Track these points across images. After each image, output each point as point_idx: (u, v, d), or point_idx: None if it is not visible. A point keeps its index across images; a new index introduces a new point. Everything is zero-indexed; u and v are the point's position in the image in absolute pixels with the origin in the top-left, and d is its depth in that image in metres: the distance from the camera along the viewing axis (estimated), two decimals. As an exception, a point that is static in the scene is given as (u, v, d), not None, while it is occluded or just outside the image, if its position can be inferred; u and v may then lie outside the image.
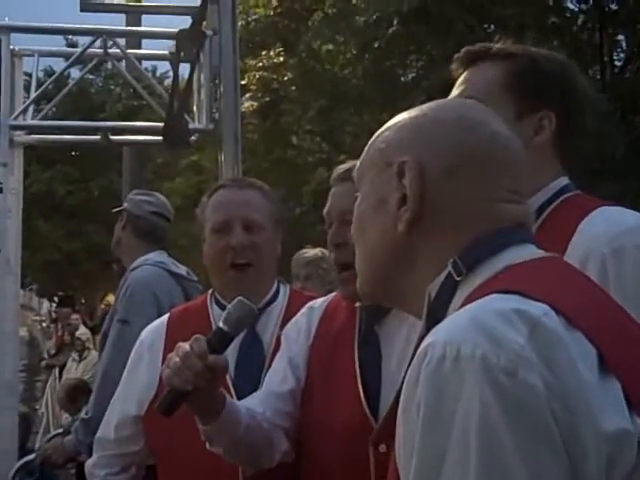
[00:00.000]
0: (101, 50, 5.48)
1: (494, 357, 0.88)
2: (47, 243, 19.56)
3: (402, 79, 13.50)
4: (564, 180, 1.55)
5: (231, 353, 2.07)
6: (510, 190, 1.09)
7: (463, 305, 0.99)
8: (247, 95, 13.42)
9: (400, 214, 1.08)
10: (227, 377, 2.05)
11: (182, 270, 3.57)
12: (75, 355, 10.73)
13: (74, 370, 10.01)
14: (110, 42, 5.37)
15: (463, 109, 1.14)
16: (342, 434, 1.82)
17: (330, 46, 13.61)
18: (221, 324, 1.68)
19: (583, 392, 0.89)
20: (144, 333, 2.31)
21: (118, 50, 5.48)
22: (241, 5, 14.97)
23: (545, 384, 0.87)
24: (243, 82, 12.24)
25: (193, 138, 5.50)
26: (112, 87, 19.15)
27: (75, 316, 13.22)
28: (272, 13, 13.90)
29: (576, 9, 13.33)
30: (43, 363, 11.70)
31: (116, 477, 2.28)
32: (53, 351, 14.36)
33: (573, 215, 1.45)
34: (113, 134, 5.79)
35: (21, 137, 5.61)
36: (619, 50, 14.06)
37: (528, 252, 1.07)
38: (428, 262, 1.08)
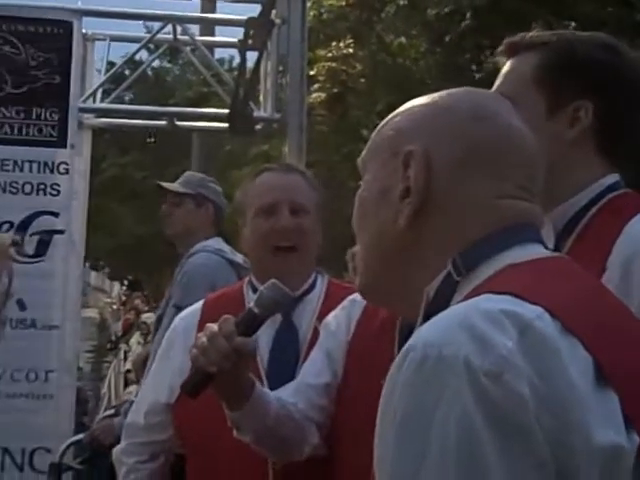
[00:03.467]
0: (171, 36, 5.52)
1: (478, 360, 0.82)
2: (121, 227, 19.91)
3: (475, 75, 13.32)
4: (611, 178, 1.42)
5: (265, 342, 2.05)
6: (520, 186, 1.03)
7: None
8: (315, 86, 13.39)
9: (402, 206, 1.02)
10: (260, 366, 2.02)
11: (239, 258, 3.55)
12: (140, 338, 10.90)
13: (138, 353, 10.17)
14: (180, 29, 5.42)
15: (477, 99, 1.08)
16: None
17: (402, 39, 13.49)
18: (252, 305, 1.65)
19: (574, 402, 0.83)
20: (177, 319, 2.28)
21: (188, 37, 5.52)
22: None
23: (532, 391, 0.81)
24: (312, 73, 12.21)
25: (258, 127, 5.51)
26: (188, 75, 19.36)
27: (140, 300, 13.45)
28: (344, 4, 13.82)
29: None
30: (108, 345, 11.94)
31: (145, 465, 2.25)
32: (120, 333, 14.65)
33: (619, 216, 1.34)
34: (180, 120, 5.85)
35: (90, 120, 5.70)
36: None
37: (532, 252, 1.00)
38: (428, 260, 1.01)
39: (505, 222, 1.00)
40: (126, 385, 9.74)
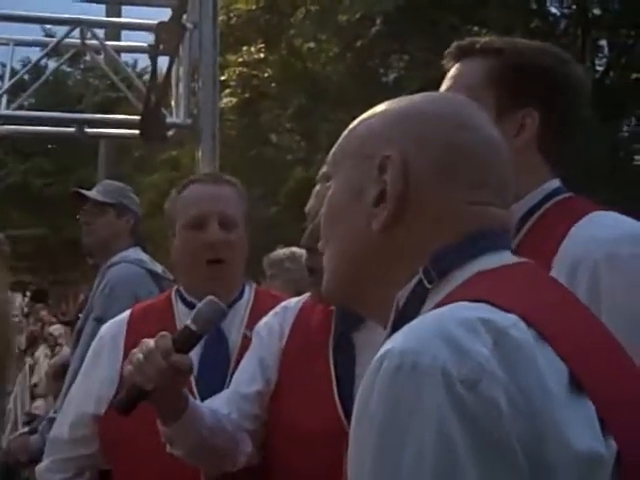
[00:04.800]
0: (78, 41, 5.38)
1: (455, 368, 0.81)
2: (21, 235, 19.40)
3: (384, 79, 13.46)
4: (555, 183, 1.47)
5: (195, 351, 2.03)
6: (494, 193, 1.02)
7: None
8: (227, 91, 13.32)
9: (376, 211, 1.00)
10: (191, 377, 1.99)
11: (158, 268, 3.49)
12: (47, 350, 10.60)
13: (45, 366, 9.89)
14: (88, 33, 5.28)
15: (458, 105, 1.07)
16: (316, 439, 1.76)
17: (312, 44, 13.55)
18: (189, 322, 1.62)
19: (551, 409, 0.82)
20: (104, 328, 2.23)
21: (96, 41, 5.39)
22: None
23: (509, 399, 0.81)
24: (223, 78, 12.15)
25: (170, 133, 5.42)
26: (91, 80, 19.00)
27: (46, 311, 13.10)
28: (254, 7, 13.80)
29: (559, 13, 13.35)
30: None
31: None
32: (24, 346, 14.24)
33: (565, 218, 1.38)
34: (89, 127, 5.70)
35: (-3, 127, 5.51)
36: (601, 55, 14.09)
37: (503, 258, 1.00)
38: (400, 266, 1.00)
39: (478, 228, 0.99)
40: (33, 399, 9.47)
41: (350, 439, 0.88)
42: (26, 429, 3.77)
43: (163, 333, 1.60)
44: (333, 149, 1.10)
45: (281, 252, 4.26)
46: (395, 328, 0.93)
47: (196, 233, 2.08)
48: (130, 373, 1.56)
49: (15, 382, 11.82)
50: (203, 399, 1.88)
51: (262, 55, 13.84)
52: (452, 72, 1.51)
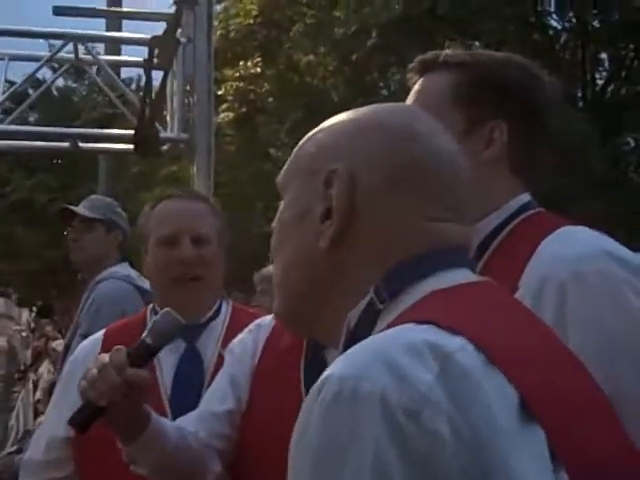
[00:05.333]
0: (73, 55, 5.37)
1: (395, 396, 0.76)
2: (27, 252, 19.44)
3: (383, 92, 13.46)
4: (524, 198, 1.41)
5: (169, 370, 2.01)
6: (450, 209, 0.97)
7: None
8: (224, 106, 13.32)
9: (323, 229, 0.96)
10: (163, 394, 1.97)
11: (146, 284, 3.45)
12: (50, 366, 10.61)
13: (48, 381, 9.89)
14: (82, 47, 5.27)
15: (409, 117, 1.02)
16: (287, 460, 1.71)
17: (311, 57, 13.56)
18: (145, 336, 1.59)
19: (497, 441, 0.77)
20: (78, 349, 2.21)
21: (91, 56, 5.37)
22: (222, 14, 14.95)
23: (452, 429, 0.76)
24: (220, 92, 12.15)
25: (165, 147, 5.40)
26: (95, 95, 19.08)
27: (51, 327, 13.13)
28: (252, 22, 13.83)
29: (559, 26, 13.34)
30: (16, 375, 11.60)
31: None
32: (29, 362, 14.27)
33: (533, 235, 1.32)
34: (84, 142, 5.68)
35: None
36: (601, 69, 14.08)
37: (459, 277, 0.94)
38: (351, 285, 0.95)
39: (432, 246, 0.95)
40: (36, 416, 9.45)
41: (289, 465, 0.84)
42: (14, 448, 3.74)
43: (118, 347, 1.56)
44: (285, 166, 1.07)
45: (271, 267, 4.24)
46: (346, 351, 0.88)
47: (168, 250, 2.06)
48: (83, 389, 1.53)
49: (18, 398, 11.81)
50: (176, 417, 1.84)
51: (259, 70, 13.86)
52: (416, 87, 1.47)
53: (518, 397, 0.81)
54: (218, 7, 15.53)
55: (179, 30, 5.14)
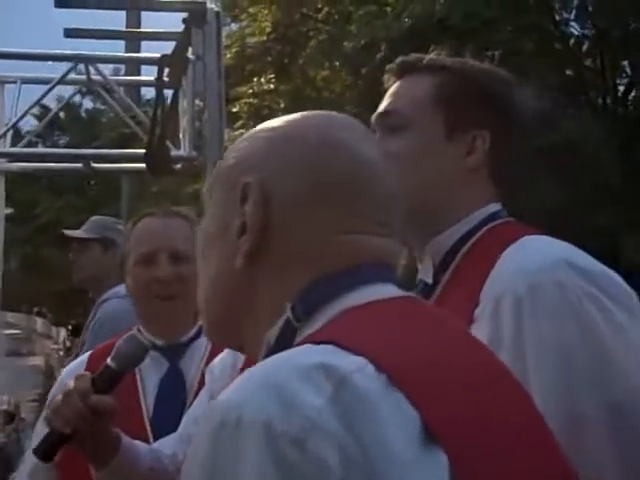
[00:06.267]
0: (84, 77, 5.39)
1: (281, 423, 0.71)
2: (57, 273, 19.62)
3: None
4: (493, 207, 1.36)
5: (151, 390, 1.97)
6: (376, 222, 0.92)
7: None
8: (239, 123, 13.34)
9: (239, 245, 0.91)
10: (145, 414, 1.93)
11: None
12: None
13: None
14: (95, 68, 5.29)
15: (329, 126, 0.96)
16: None
17: (327, 72, 13.56)
18: (109, 361, 1.55)
19: (392, 466, 0.72)
20: (64, 372, 2.18)
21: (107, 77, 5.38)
22: (237, 33, 15.02)
23: (342, 457, 0.70)
24: (235, 110, 12.17)
25: (178, 166, 5.40)
26: (113, 115, 19.33)
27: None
28: (266, 39, 13.86)
29: (578, 34, 13.24)
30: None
31: None
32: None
33: (495, 246, 1.26)
34: (98, 162, 5.70)
35: (2, 165, 5.54)
36: (623, 75, 13.95)
37: (380, 292, 0.89)
38: (269, 303, 0.90)
39: (352, 261, 0.89)
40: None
41: None
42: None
43: (83, 373, 1.54)
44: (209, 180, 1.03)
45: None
46: None
47: (146, 268, 2.02)
48: (48, 417, 1.50)
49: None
50: (157, 437, 1.81)
51: (272, 86, 13.87)
52: (394, 88, 1.42)
53: (420, 420, 0.75)
54: (234, 26, 15.65)
55: (190, 48, 5.15)
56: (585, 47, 13.41)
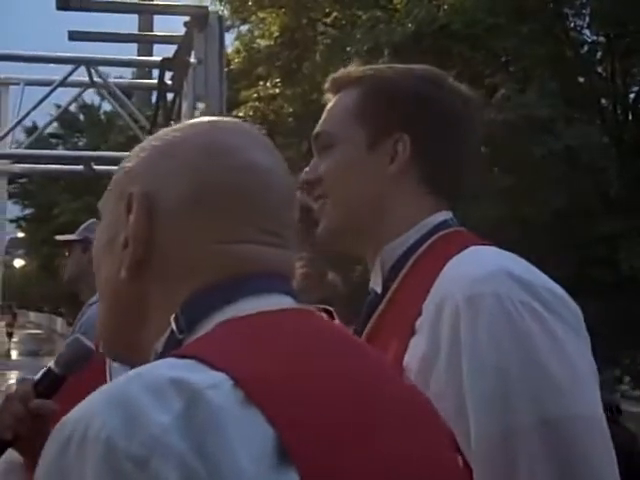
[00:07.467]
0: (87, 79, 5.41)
1: (123, 441, 0.69)
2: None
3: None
4: (440, 216, 1.32)
5: None
6: (266, 231, 0.90)
7: None
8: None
9: (122, 257, 0.90)
10: None
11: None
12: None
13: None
14: (96, 70, 5.31)
15: (216, 132, 0.94)
16: None
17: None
18: (52, 364, 1.52)
19: None
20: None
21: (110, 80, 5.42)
22: (246, 36, 15.00)
23: (185, 476, 0.68)
24: (240, 114, 12.12)
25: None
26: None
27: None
28: (273, 43, 13.84)
29: (587, 40, 13.18)
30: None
31: None
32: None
33: (442, 256, 1.22)
34: (99, 164, 5.72)
35: (4, 166, 5.56)
36: (638, 79, 13.86)
37: (267, 303, 0.86)
38: (157, 316, 0.89)
39: (239, 270, 0.87)
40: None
41: None
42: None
43: (25, 377, 1.53)
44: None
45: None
46: None
47: None
48: None
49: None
50: None
51: (277, 90, 13.83)
52: (328, 105, 1.39)
53: (275, 438, 0.73)
54: (243, 28, 15.64)
55: (193, 52, 5.16)
56: (598, 55, 13.34)
